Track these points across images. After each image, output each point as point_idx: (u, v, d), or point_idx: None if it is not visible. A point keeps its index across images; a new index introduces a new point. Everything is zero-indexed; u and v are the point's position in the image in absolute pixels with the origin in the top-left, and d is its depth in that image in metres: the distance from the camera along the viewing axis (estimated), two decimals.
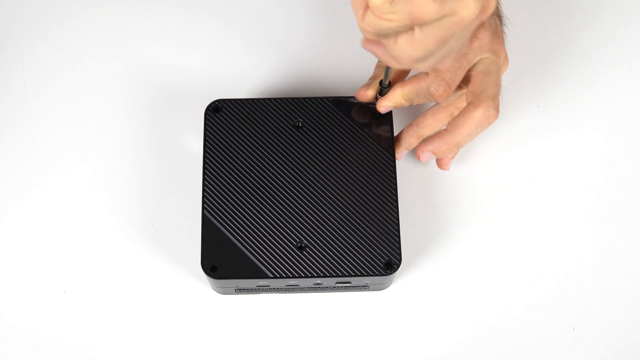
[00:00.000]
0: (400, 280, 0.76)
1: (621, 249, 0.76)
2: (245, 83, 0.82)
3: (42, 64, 0.84)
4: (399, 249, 0.71)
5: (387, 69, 0.71)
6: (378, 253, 0.71)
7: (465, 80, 0.72)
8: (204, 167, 0.74)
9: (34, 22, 0.86)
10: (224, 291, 0.74)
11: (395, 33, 0.58)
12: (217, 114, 0.76)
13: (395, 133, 0.77)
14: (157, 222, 0.77)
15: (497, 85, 0.72)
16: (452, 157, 0.77)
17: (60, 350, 0.73)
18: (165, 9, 0.85)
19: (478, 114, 0.71)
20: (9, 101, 0.82)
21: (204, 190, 0.73)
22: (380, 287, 0.74)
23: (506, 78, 0.76)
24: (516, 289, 0.75)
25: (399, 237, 0.71)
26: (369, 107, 0.76)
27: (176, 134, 0.80)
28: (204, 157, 0.74)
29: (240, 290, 0.74)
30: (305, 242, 0.71)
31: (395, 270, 0.71)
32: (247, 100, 0.76)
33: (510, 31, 0.76)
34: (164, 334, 0.74)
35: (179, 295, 0.75)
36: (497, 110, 0.71)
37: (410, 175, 0.78)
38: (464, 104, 0.73)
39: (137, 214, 0.77)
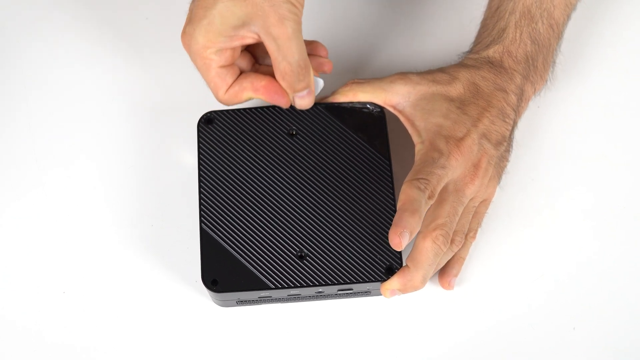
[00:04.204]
0: None
1: (621, 249, 0.76)
2: None
3: (41, 65, 0.84)
4: (400, 253, 0.71)
5: None
6: (378, 258, 0.71)
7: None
8: (200, 181, 0.73)
9: (34, 22, 0.86)
10: (225, 304, 0.73)
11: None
12: (209, 126, 0.75)
13: (391, 135, 0.77)
14: (156, 222, 0.77)
15: (450, 215, 0.70)
16: (455, 275, 0.75)
17: (59, 350, 0.73)
18: (165, 13, 0.85)
19: (428, 244, 0.69)
20: (8, 102, 0.82)
21: (200, 204, 0.73)
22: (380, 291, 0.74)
23: None
24: (516, 289, 0.75)
25: None
26: (362, 112, 0.76)
27: (175, 135, 0.81)
28: (199, 170, 0.74)
29: (241, 302, 0.73)
30: (305, 251, 0.71)
31: None
32: (239, 110, 0.76)
33: None
34: (164, 333, 0.74)
35: (178, 295, 0.75)
36: (446, 237, 0.69)
37: None
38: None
39: (137, 214, 0.77)
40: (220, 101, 0.73)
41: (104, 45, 0.85)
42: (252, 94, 0.71)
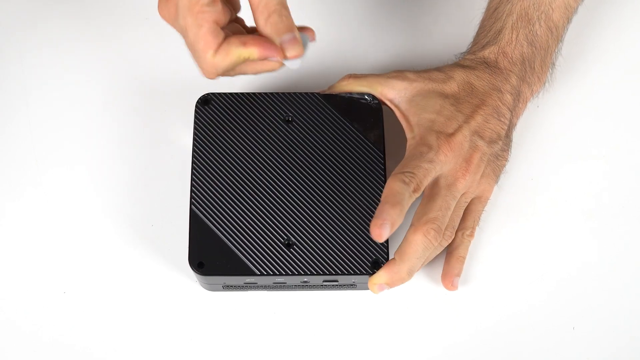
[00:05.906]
0: None
1: (621, 249, 0.76)
2: (238, 77, 0.80)
3: (41, 65, 0.84)
4: (387, 248, 0.71)
5: None
6: (365, 252, 0.71)
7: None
8: (193, 161, 0.73)
9: (34, 22, 0.86)
10: (211, 287, 0.74)
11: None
12: (206, 107, 0.76)
13: (387, 131, 0.77)
14: (156, 221, 0.77)
15: (442, 209, 0.71)
16: (458, 275, 0.75)
17: (60, 350, 0.73)
18: None
19: (418, 237, 0.69)
20: (8, 101, 0.82)
21: (192, 185, 0.73)
22: (368, 287, 0.74)
23: None
24: (516, 289, 0.75)
25: None
26: (360, 102, 0.76)
27: (175, 131, 0.81)
28: (193, 150, 0.74)
29: (227, 287, 0.73)
30: (293, 239, 0.71)
31: None
32: (237, 94, 0.76)
33: None
34: (164, 332, 0.74)
35: (179, 294, 0.75)
36: (437, 232, 0.69)
37: None
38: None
39: (136, 213, 0.77)
40: (208, 69, 0.67)
41: (104, 44, 0.85)
42: (241, 48, 0.66)
